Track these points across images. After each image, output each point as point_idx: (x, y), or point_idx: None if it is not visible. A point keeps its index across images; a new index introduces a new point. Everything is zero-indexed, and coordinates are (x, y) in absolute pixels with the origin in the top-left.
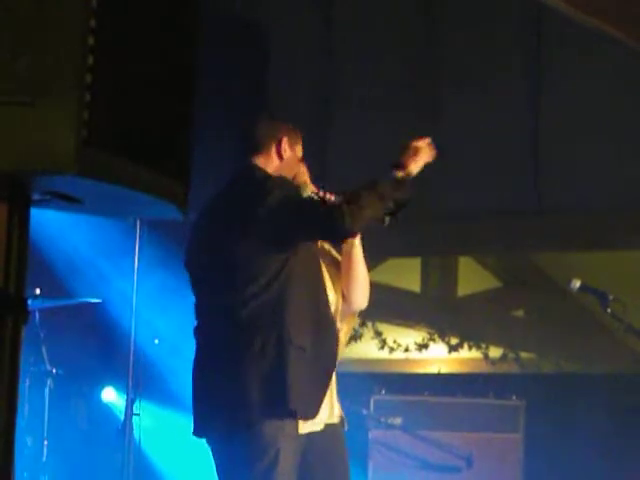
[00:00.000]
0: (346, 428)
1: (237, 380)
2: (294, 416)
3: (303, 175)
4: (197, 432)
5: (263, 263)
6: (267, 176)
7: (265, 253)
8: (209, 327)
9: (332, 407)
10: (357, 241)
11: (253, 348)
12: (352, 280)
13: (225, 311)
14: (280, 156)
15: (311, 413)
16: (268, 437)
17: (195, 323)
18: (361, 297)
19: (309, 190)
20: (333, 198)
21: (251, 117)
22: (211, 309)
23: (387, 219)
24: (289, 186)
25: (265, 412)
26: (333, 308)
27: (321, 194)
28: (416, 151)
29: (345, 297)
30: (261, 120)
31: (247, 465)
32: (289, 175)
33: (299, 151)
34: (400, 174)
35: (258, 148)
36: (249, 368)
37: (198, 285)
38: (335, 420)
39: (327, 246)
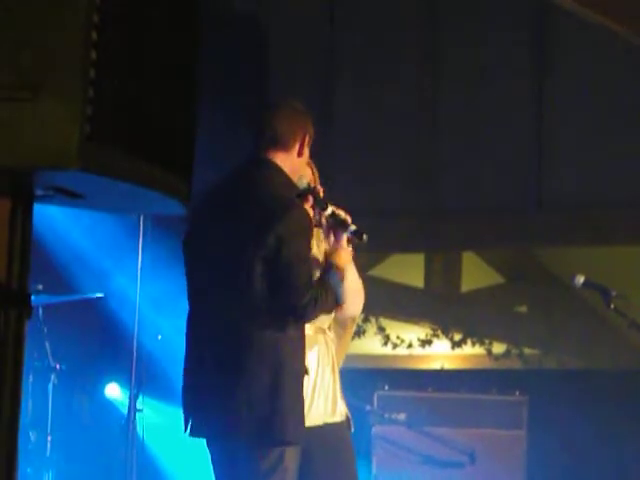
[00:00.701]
0: (352, 429)
1: (238, 388)
2: (294, 443)
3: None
4: (196, 432)
5: (263, 293)
6: (291, 202)
7: (263, 285)
8: (208, 325)
9: (334, 405)
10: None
11: (252, 366)
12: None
13: (226, 317)
14: (300, 154)
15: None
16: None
17: (190, 308)
18: (352, 305)
19: (305, 180)
20: (322, 192)
21: (269, 102)
22: (211, 309)
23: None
24: (307, 232)
25: (265, 439)
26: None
27: (312, 185)
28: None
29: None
30: (286, 110)
31: (250, 464)
32: (300, 172)
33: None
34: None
35: (279, 142)
36: (250, 381)
37: (197, 275)
38: (337, 419)
39: (319, 253)
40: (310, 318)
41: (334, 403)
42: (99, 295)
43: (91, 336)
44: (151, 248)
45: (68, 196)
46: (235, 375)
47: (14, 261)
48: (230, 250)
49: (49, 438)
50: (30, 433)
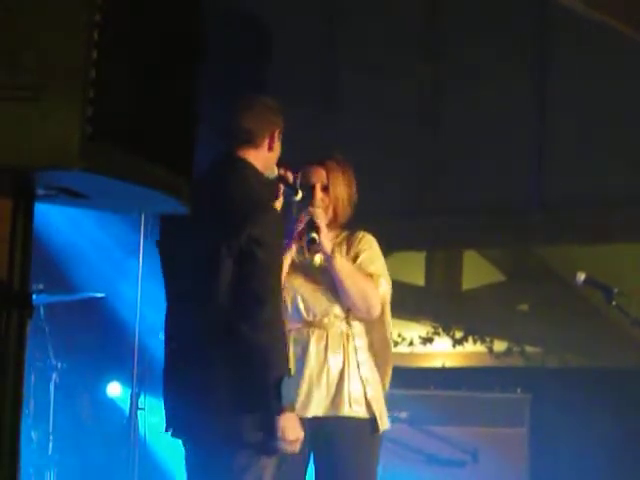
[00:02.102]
0: (378, 430)
1: (210, 390)
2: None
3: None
4: (175, 433)
5: (231, 295)
6: (266, 205)
7: (231, 287)
8: (182, 326)
9: (332, 399)
10: (331, 253)
11: (223, 367)
12: (342, 292)
13: (199, 319)
14: (270, 148)
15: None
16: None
17: (167, 309)
18: (361, 304)
19: (275, 170)
20: (291, 177)
21: (238, 100)
22: (185, 310)
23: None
24: (279, 237)
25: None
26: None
27: (282, 172)
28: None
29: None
30: (254, 106)
31: (225, 462)
32: (272, 166)
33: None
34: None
35: (250, 139)
36: (220, 383)
37: (172, 275)
38: (343, 413)
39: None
40: (270, 324)
41: (333, 397)
42: (101, 295)
43: (93, 335)
44: (153, 247)
45: (70, 196)
46: (206, 376)
47: (15, 261)
48: (203, 251)
49: (51, 437)
50: (32, 432)
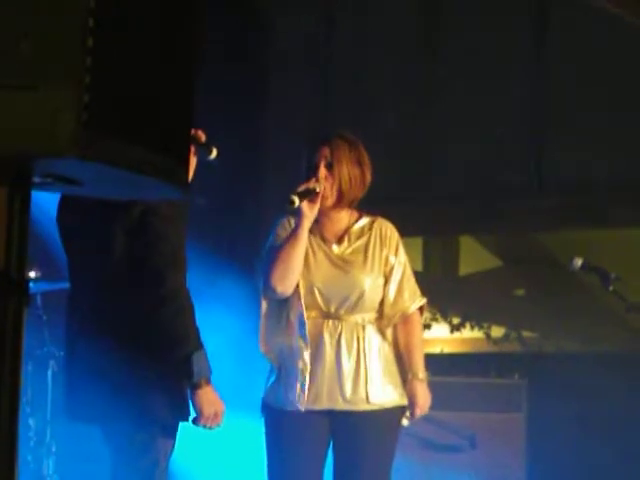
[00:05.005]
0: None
1: (108, 369)
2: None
3: None
4: (73, 414)
5: (125, 268)
6: None
7: (125, 259)
8: (81, 304)
9: (348, 392)
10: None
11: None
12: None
13: (98, 294)
14: None
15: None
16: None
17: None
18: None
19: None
20: (203, 136)
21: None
22: (84, 284)
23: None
24: (174, 207)
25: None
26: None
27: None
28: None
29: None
30: None
31: (122, 446)
32: None
33: None
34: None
35: None
36: (115, 360)
37: (70, 252)
38: (360, 407)
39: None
40: (172, 297)
41: (334, 389)
42: None
43: None
44: None
45: (66, 183)
46: (110, 357)
47: (12, 249)
48: (97, 224)
49: (49, 425)
50: (30, 421)
